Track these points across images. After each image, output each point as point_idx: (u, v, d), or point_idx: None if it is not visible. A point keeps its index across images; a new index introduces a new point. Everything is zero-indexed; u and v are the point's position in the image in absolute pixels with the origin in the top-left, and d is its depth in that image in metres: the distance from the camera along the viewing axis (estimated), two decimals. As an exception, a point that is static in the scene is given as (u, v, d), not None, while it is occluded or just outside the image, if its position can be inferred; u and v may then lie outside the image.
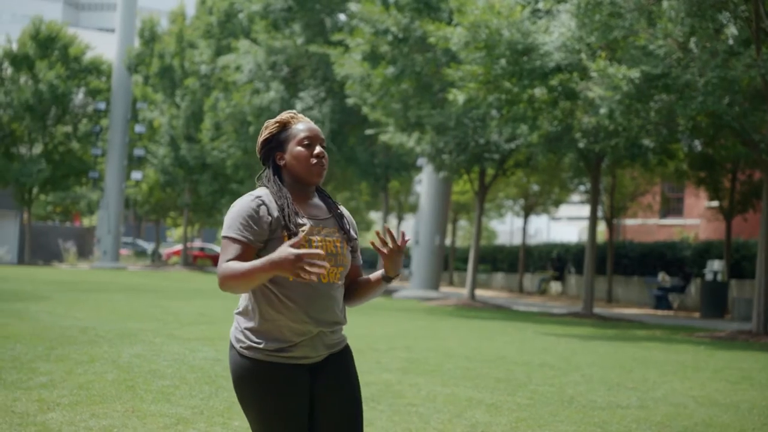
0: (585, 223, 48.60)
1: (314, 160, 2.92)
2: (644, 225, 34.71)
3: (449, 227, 42.71)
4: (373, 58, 21.60)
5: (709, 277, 21.99)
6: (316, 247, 2.85)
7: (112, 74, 42.81)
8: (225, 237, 2.81)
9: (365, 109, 22.75)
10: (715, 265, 21.90)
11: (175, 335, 10.69)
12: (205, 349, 9.38)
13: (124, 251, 52.71)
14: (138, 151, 42.68)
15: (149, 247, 57.46)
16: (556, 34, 15.42)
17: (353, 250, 3.02)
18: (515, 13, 15.90)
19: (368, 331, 12.89)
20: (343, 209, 3.05)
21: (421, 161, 26.83)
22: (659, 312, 23.72)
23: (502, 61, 15.84)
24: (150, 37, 42.93)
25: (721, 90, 13.58)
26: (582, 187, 29.91)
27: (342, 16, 28.52)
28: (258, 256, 2.80)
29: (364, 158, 28.31)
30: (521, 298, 30.71)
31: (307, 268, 2.56)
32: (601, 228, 37.53)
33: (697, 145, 21.16)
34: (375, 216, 56.60)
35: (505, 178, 28.54)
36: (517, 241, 56.28)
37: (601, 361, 10.45)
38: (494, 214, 46.87)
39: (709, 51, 13.64)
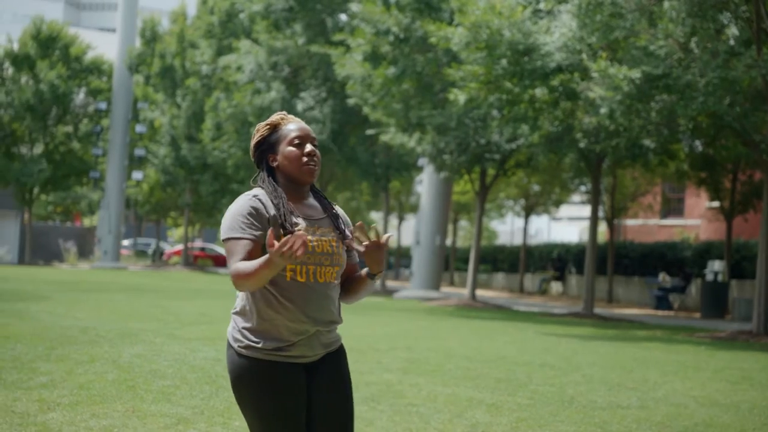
0: (586, 224, 48.60)
1: (305, 159, 2.95)
2: (645, 225, 34.70)
3: (450, 227, 42.72)
4: (374, 58, 21.60)
5: (709, 277, 21.98)
6: (312, 247, 2.88)
7: (113, 74, 42.82)
8: (229, 238, 2.83)
9: (366, 110, 22.75)
10: (716, 266, 21.90)
11: (175, 335, 10.70)
12: (206, 349, 9.38)
13: (125, 251, 52.73)
14: (139, 151, 42.69)
15: (152, 245, 57.44)
16: (557, 34, 15.42)
17: (349, 248, 3.04)
18: (516, 13, 15.90)
19: (369, 331, 12.90)
20: (338, 209, 3.08)
21: (421, 161, 26.83)
22: (660, 312, 23.72)
23: (503, 62, 15.83)
24: (151, 37, 42.95)
25: (722, 90, 13.57)
26: (583, 188, 29.91)
27: (343, 16, 28.51)
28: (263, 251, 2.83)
29: (364, 158, 28.31)
30: (522, 298, 30.72)
31: (294, 248, 2.56)
32: (602, 228, 37.53)
33: (698, 145, 21.16)
34: (376, 216, 56.60)
35: (505, 179, 28.53)
36: (517, 241, 56.27)
37: (601, 362, 10.45)
38: (495, 215, 46.87)
39: (709, 51, 13.64)
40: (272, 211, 2.87)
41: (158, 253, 48.69)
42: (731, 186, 23.27)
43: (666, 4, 13.79)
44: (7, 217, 42.43)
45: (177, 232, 59.86)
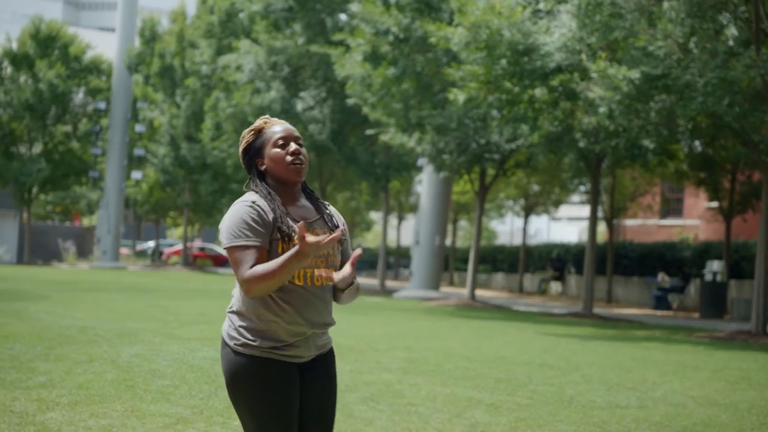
0: (585, 224, 48.61)
1: (290, 158, 2.97)
2: (644, 225, 34.71)
3: (449, 227, 42.71)
4: (373, 58, 21.60)
5: (708, 277, 21.99)
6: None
7: (113, 74, 42.79)
8: (235, 247, 2.84)
9: (366, 109, 22.75)
10: (715, 266, 21.90)
11: (174, 335, 10.69)
12: (205, 349, 9.38)
13: (124, 251, 52.71)
14: (138, 151, 42.67)
15: (148, 248, 57.43)
16: (556, 34, 15.42)
17: (343, 245, 3.08)
18: (516, 13, 15.90)
19: (368, 331, 12.90)
20: (331, 209, 3.11)
21: (421, 161, 26.83)
22: (659, 312, 23.73)
23: (503, 62, 15.84)
24: (150, 36, 42.92)
25: (721, 91, 13.58)
26: (582, 188, 29.91)
27: (343, 16, 28.51)
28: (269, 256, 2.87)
29: (364, 158, 28.30)
30: (521, 298, 30.72)
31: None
32: (601, 228, 37.50)
33: (697, 145, 21.17)
34: (375, 216, 56.59)
35: (505, 179, 28.53)
36: (517, 241, 56.28)
37: (600, 361, 10.45)
38: (494, 215, 46.85)
39: (709, 52, 13.65)
40: (270, 216, 2.89)
41: (157, 253, 48.68)
42: (730, 186, 23.27)
43: (665, 5, 13.79)
44: (6, 216, 42.41)
45: (176, 232, 59.85)
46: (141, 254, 55.06)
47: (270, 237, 2.87)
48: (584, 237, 45.14)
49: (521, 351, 11.28)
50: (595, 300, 23.27)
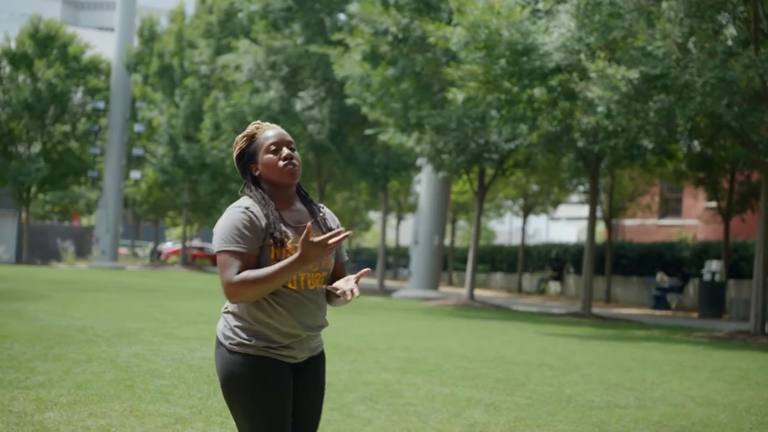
0: (584, 224, 48.62)
1: (282, 163, 3.01)
2: (643, 225, 34.72)
3: (448, 227, 42.71)
4: (373, 58, 21.60)
5: (707, 277, 22.00)
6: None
7: (111, 73, 42.77)
8: (225, 251, 2.88)
9: (365, 109, 22.75)
10: (713, 266, 21.91)
11: (173, 335, 10.69)
12: (204, 349, 9.38)
13: (123, 251, 52.69)
14: (137, 151, 42.65)
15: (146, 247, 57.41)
16: (555, 34, 15.42)
17: (337, 249, 3.12)
18: (515, 13, 15.90)
19: (367, 331, 12.90)
20: (326, 211, 3.15)
21: (420, 161, 26.83)
22: (657, 312, 23.73)
23: (502, 62, 15.84)
24: (149, 36, 42.91)
25: (720, 90, 13.58)
26: (581, 188, 29.92)
27: (342, 16, 28.51)
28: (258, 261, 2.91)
29: (363, 158, 28.30)
30: (520, 298, 30.73)
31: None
32: (600, 228, 37.53)
33: (696, 145, 21.16)
34: (374, 216, 56.57)
35: (504, 179, 28.54)
36: (516, 241, 56.28)
37: (599, 361, 10.45)
38: (493, 214, 46.86)
39: (707, 52, 13.65)
40: (263, 222, 2.92)
41: (156, 253, 48.66)
42: (729, 186, 23.28)
43: (664, 5, 13.79)
44: (5, 216, 42.39)
45: (175, 232, 59.82)
46: (137, 255, 55.01)
47: (262, 243, 2.90)
48: (583, 237, 45.14)
49: (520, 351, 11.28)
50: (593, 300, 23.28)
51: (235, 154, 3.12)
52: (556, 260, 33.63)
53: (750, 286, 20.93)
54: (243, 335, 2.95)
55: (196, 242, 54.39)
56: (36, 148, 40.14)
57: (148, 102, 42.37)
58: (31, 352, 8.32)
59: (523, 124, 17.51)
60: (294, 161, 3.01)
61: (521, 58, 15.73)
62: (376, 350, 10.35)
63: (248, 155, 3.07)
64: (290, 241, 2.91)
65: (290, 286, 2.92)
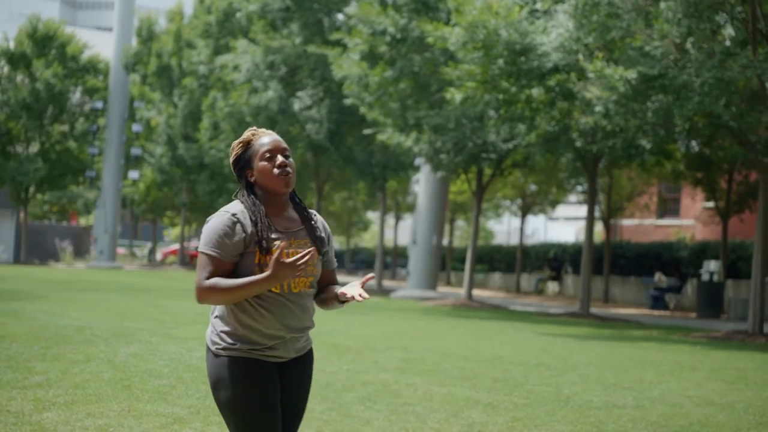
0: (582, 224, 48.67)
1: (277, 171, 3.06)
2: (641, 225, 34.74)
3: (447, 227, 42.72)
4: (371, 58, 21.59)
5: (705, 277, 22.01)
6: (287, 257, 3.01)
7: (110, 73, 42.74)
8: (203, 253, 2.98)
9: (363, 109, 22.75)
10: (712, 266, 21.92)
11: (171, 335, 10.69)
12: (202, 349, 9.37)
13: (121, 250, 52.66)
14: (135, 151, 42.62)
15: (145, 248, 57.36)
16: (553, 34, 15.43)
17: (325, 255, 3.19)
18: (513, 13, 15.91)
19: (366, 331, 12.90)
20: (317, 219, 3.20)
21: (418, 161, 26.83)
22: (656, 312, 23.74)
23: (500, 62, 15.84)
24: (148, 36, 42.89)
25: (718, 91, 13.59)
26: (579, 188, 29.92)
27: (340, 16, 28.50)
28: (234, 267, 2.99)
29: (361, 158, 28.30)
30: (518, 298, 30.73)
31: (301, 266, 2.85)
32: (598, 228, 37.55)
33: (694, 145, 21.17)
34: (372, 216, 56.58)
35: (502, 178, 28.55)
36: (514, 241, 56.28)
37: (597, 361, 10.46)
38: (492, 214, 46.88)
39: (705, 52, 13.65)
40: (249, 229, 2.99)
41: (153, 253, 48.62)
42: (727, 186, 23.29)
43: (662, 5, 13.80)
44: (3, 216, 42.35)
45: (173, 232, 59.81)
46: (140, 256, 54.96)
47: (244, 250, 2.98)
48: (581, 237, 45.16)
49: (518, 351, 11.28)
50: (592, 300, 23.28)
51: (231, 159, 3.17)
52: (554, 260, 33.63)
53: (748, 286, 20.95)
54: (228, 340, 3.03)
55: (195, 242, 54.38)
56: (34, 148, 40.12)
57: (147, 102, 42.34)
58: (29, 352, 8.31)
59: (521, 124, 17.52)
60: (288, 169, 3.06)
61: (519, 58, 15.74)
62: (375, 350, 10.35)
63: (244, 161, 3.12)
64: (272, 258, 2.95)
65: (274, 289, 2.98)
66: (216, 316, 3.09)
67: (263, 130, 3.16)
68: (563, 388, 8.09)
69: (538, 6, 16.61)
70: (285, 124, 28.50)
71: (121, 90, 42.59)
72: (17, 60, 39.36)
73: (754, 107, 14.47)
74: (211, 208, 41.82)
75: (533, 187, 34.62)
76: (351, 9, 22.52)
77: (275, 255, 2.81)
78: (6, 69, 39.81)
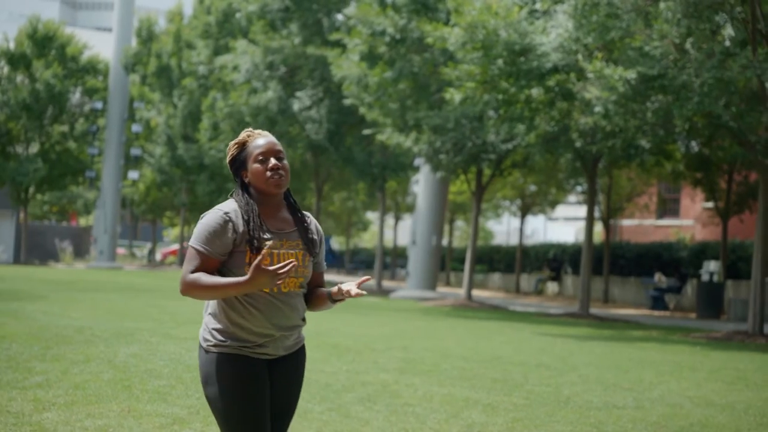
0: (582, 224, 48.70)
1: (269, 173, 3.12)
2: (641, 225, 34.73)
3: (446, 227, 42.72)
4: (370, 58, 21.59)
5: (705, 277, 22.01)
6: (277, 257, 3.06)
7: (109, 73, 42.74)
8: (192, 247, 3.05)
9: (362, 109, 22.75)
10: (711, 266, 21.92)
11: (171, 335, 10.69)
12: (202, 349, 9.36)
13: (121, 251, 52.65)
14: (135, 151, 42.60)
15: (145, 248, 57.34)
16: (553, 34, 15.43)
17: (315, 258, 3.23)
18: (512, 13, 15.91)
19: (365, 331, 12.90)
20: (311, 221, 3.25)
21: (418, 161, 26.83)
22: (655, 312, 23.74)
23: (499, 62, 15.85)
24: (147, 36, 42.89)
25: (718, 91, 13.59)
26: (579, 188, 29.92)
27: (339, 16, 28.50)
28: (222, 266, 3.06)
29: (361, 158, 28.30)
30: (518, 298, 30.73)
31: (281, 275, 2.88)
32: (598, 228, 37.54)
33: (694, 146, 21.17)
34: (372, 216, 56.57)
35: (502, 179, 28.54)
36: (514, 241, 56.28)
37: (597, 362, 10.46)
38: (491, 215, 46.87)
39: (705, 52, 13.65)
40: (240, 228, 3.05)
41: (153, 253, 48.60)
42: (727, 186, 23.28)
43: (662, 5, 13.80)
44: (3, 216, 42.35)
45: (173, 232, 59.80)
46: (140, 256, 54.93)
47: (233, 248, 3.04)
48: (581, 237, 45.16)
49: (518, 351, 11.28)
50: (591, 300, 23.29)
51: (227, 160, 3.25)
52: (553, 260, 33.63)
53: (748, 286, 20.95)
54: (219, 337, 3.10)
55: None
56: (34, 148, 40.12)
57: (146, 102, 42.34)
58: (29, 353, 8.31)
59: (521, 124, 17.52)
60: (280, 171, 3.12)
61: (519, 58, 15.74)
62: (374, 350, 10.35)
63: (239, 162, 3.19)
64: (268, 248, 3.02)
65: (263, 289, 3.01)
66: (209, 314, 3.16)
67: (259, 131, 3.22)
68: (563, 389, 8.09)
69: (538, 6, 16.61)
70: (284, 124, 28.50)
71: (120, 90, 42.59)
72: (17, 60, 39.37)
73: (754, 107, 14.47)
74: (210, 209, 41.83)
75: (533, 188, 34.62)
76: (350, 9, 22.53)
77: (256, 261, 2.85)
78: (6, 69, 39.81)
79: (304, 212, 3.25)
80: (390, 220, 48.38)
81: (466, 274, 23.55)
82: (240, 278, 2.91)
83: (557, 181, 30.53)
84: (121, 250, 53.25)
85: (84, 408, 5.96)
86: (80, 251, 47.16)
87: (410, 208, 43.91)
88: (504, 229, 68.42)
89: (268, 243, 3.03)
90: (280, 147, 3.17)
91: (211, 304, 3.14)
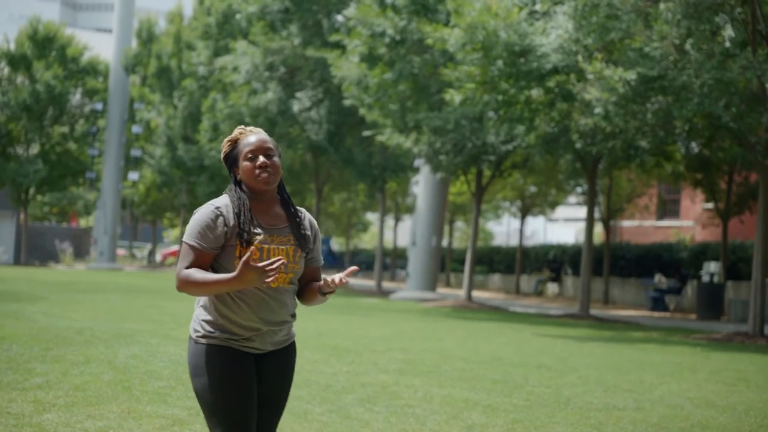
0: (582, 225, 48.71)
1: (257, 171, 3.16)
2: (641, 226, 34.73)
3: (446, 228, 42.72)
4: (370, 59, 21.59)
5: (705, 278, 22.01)
6: (267, 252, 3.10)
7: (110, 75, 42.75)
8: (186, 243, 3.10)
9: (362, 110, 22.75)
10: (712, 267, 21.92)
11: (171, 336, 10.68)
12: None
13: (121, 251, 52.65)
14: (135, 152, 42.61)
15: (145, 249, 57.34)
16: (553, 35, 15.43)
17: (309, 253, 3.26)
18: (512, 14, 15.91)
19: (365, 332, 12.90)
20: (304, 216, 3.28)
21: (418, 162, 26.83)
22: (656, 314, 23.73)
23: (499, 63, 15.85)
24: (147, 37, 42.90)
25: (718, 92, 13.60)
26: (579, 189, 29.93)
27: (339, 17, 28.51)
28: (215, 260, 3.10)
29: (361, 159, 28.31)
30: (518, 299, 30.72)
31: (269, 272, 2.89)
32: (598, 229, 37.54)
33: (694, 146, 21.18)
34: (372, 217, 56.57)
35: (501, 180, 28.54)
36: (514, 242, 56.28)
37: (597, 363, 10.46)
38: (491, 216, 46.87)
39: (705, 53, 13.66)
40: (231, 223, 3.10)
41: (153, 254, 48.59)
42: (727, 187, 23.28)
43: (662, 6, 13.80)
44: (3, 217, 42.35)
45: (173, 233, 59.80)
46: (140, 257, 54.92)
47: (225, 242, 3.09)
48: (581, 238, 45.17)
49: (518, 352, 11.28)
50: (591, 301, 23.29)
51: (221, 156, 3.31)
52: (553, 261, 33.63)
53: (748, 287, 20.95)
54: (208, 328, 3.14)
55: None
56: (34, 149, 40.13)
57: (146, 103, 42.35)
58: (29, 354, 8.31)
59: (521, 125, 17.52)
60: (269, 169, 3.16)
61: (519, 59, 15.74)
62: (374, 352, 10.35)
63: (231, 159, 3.25)
64: (258, 242, 3.07)
65: (252, 286, 3.02)
66: (200, 305, 3.20)
67: (251, 128, 3.27)
68: (563, 390, 8.08)
69: (538, 7, 16.61)
70: (284, 125, 28.50)
71: (120, 91, 42.59)
72: (17, 61, 39.38)
73: (754, 108, 14.47)
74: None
75: (533, 189, 34.62)
76: (350, 10, 22.53)
77: (244, 257, 2.87)
78: (6, 70, 39.82)
79: (298, 208, 3.28)
80: (390, 221, 48.38)
81: (466, 275, 23.55)
82: (228, 275, 2.94)
83: (557, 182, 30.53)
84: (121, 251, 53.26)
85: (84, 409, 5.96)
86: (80, 252, 47.16)
87: (410, 209, 43.91)
88: (504, 230, 68.44)
89: (258, 237, 3.06)
90: (270, 144, 3.20)
91: (203, 297, 3.18)
